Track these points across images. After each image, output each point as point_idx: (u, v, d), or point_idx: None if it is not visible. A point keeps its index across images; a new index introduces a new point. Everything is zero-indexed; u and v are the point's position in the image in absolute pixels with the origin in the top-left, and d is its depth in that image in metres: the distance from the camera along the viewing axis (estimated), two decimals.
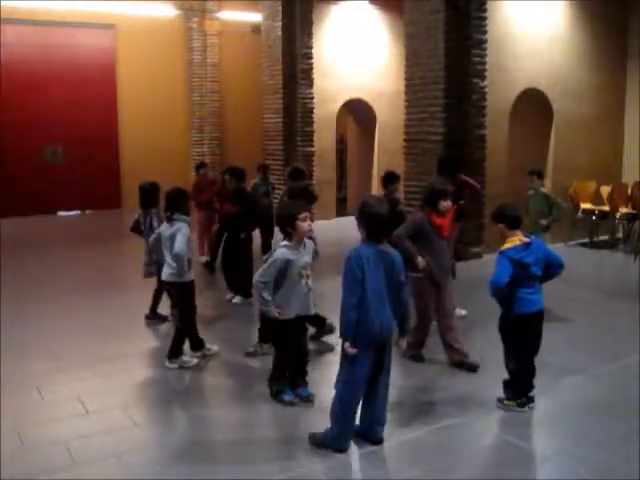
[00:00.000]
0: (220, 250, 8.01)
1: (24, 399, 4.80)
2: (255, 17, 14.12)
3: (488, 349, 5.28)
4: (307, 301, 4.57)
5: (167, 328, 6.53)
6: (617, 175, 11.10)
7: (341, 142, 14.89)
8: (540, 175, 7.56)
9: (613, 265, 9.62)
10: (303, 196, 6.06)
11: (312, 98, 12.33)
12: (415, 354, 5.48)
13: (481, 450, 4.11)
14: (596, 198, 10.53)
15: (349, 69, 13.14)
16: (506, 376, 4.59)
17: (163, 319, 6.62)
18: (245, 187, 7.93)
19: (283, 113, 12.30)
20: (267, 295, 4.42)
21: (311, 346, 5.37)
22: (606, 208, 10.29)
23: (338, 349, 4.09)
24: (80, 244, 11.16)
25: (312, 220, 5.60)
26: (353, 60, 13.19)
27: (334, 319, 4.83)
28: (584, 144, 10.57)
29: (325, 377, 4.93)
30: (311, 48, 12.21)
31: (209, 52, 15.74)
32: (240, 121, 15.72)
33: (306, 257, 4.54)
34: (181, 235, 5.32)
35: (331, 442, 3.94)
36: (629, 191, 10.14)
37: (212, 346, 5.71)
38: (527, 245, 4.39)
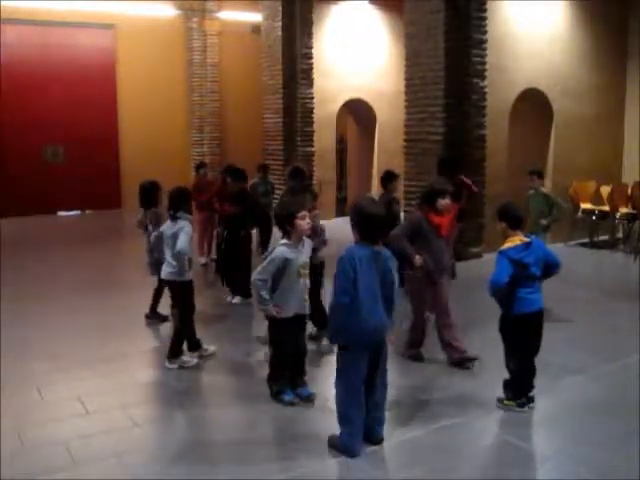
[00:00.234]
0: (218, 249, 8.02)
1: (24, 399, 4.80)
2: (255, 17, 14.12)
3: (488, 349, 5.28)
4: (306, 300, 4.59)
5: (167, 328, 6.53)
6: (617, 175, 11.09)
7: (341, 142, 14.88)
8: (540, 175, 7.56)
9: (613, 265, 9.61)
10: (306, 192, 6.11)
11: (312, 98, 12.33)
12: (414, 354, 5.48)
13: (481, 450, 4.11)
14: (596, 198, 10.53)
15: (349, 69, 13.13)
16: (506, 376, 4.59)
17: (163, 319, 6.62)
18: (246, 188, 7.93)
19: (283, 113, 12.30)
20: (265, 294, 4.42)
21: (311, 346, 5.37)
22: (606, 208, 10.29)
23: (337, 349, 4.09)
24: (80, 244, 11.16)
25: (317, 216, 5.67)
26: (353, 60, 13.19)
27: None
28: (584, 144, 10.57)
29: (325, 376, 4.92)
30: (311, 48, 12.20)
31: (209, 52, 15.74)
32: (240, 121, 15.72)
33: (305, 256, 4.55)
34: (184, 234, 5.33)
35: (342, 446, 3.94)
36: (629, 191, 10.14)
37: (209, 347, 5.70)
38: (527, 245, 4.39)
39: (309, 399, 4.65)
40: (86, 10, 13.96)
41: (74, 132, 14.45)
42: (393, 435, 4.18)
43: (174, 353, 5.44)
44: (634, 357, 5.48)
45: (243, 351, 5.90)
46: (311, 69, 12.25)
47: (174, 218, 5.45)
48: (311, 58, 12.23)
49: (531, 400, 4.53)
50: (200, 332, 5.71)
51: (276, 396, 4.66)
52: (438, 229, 5.32)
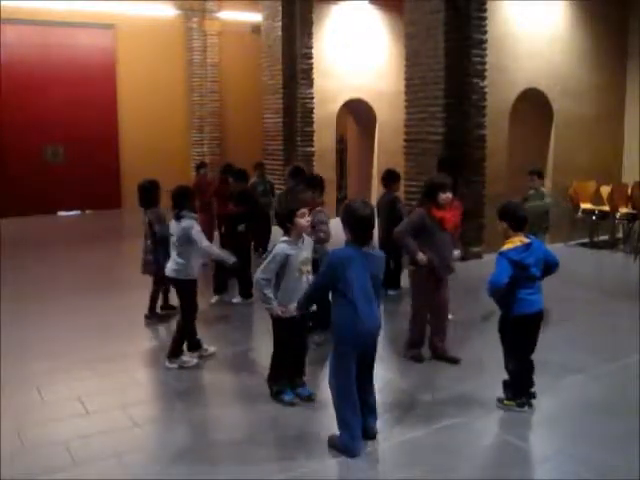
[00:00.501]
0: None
1: (24, 399, 4.80)
2: (255, 17, 14.12)
3: (488, 349, 5.28)
4: None
5: (167, 328, 6.54)
6: (617, 175, 11.09)
7: (341, 142, 14.88)
8: (540, 175, 7.57)
9: (613, 265, 9.61)
10: (316, 186, 6.14)
11: (312, 98, 12.33)
12: (414, 355, 5.47)
13: (481, 450, 4.11)
14: (596, 198, 10.53)
15: (349, 69, 13.14)
16: (506, 376, 4.59)
17: (162, 318, 6.62)
18: (248, 188, 7.93)
19: (283, 113, 12.30)
20: (269, 292, 4.43)
21: (312, 346, 5.38)
22: (606, 208, 10.28)
23: None
24: (80, 244, 11.15)
25: (319, 212, 5.69)
26: (353, 60, 13.19)
27: None
28: (584, 144, 10.57)
29: (326, 376, 4.91)
30: (311, 48, 12.20)
31: (209, 52, 15.74)
32: (240, 121, 15.72)
33: (305, 253, 4.56)
34: (197, 232, 5.43)
35: (342, 447, 3.94)
36: (629, 191, 10.14)
37: (210, 347, 5.70)
38: (527, 246, 4.37)
39: (309, 399, 4.66)
40: (86, 10, 13.97)
41: (74, 132, 14.45)
42: (393, 435, 4.18)
43: (174, 353, 5.44)
44: (634, 357, 5.47)
45: (243, 351, 5.91)
46: (311, 69, 12.25)
47: (178, 217, 5.48)
48: (311, 58, 12.23)
49: (533, 396, 4.53)
50: (200, 332, 5.72)
51: (276, 396, 4.66)
52: (441, 223, 5.31)
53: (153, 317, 6.67)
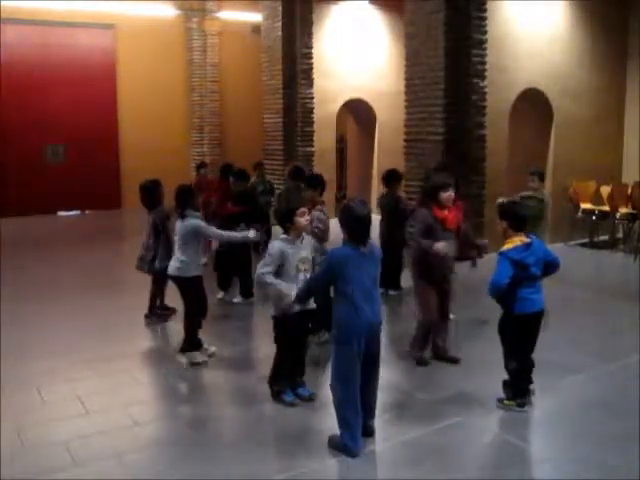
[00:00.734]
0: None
1: (24, 399, 4.80)
2: (255, 17, 14.12)
3: (488, 349, 5.28)
4: None
5: (167, 328, 6.54)
6: (617, 175, 11.09)
7: (341, 142, 14.88)
8: (542, 177, 7.54)
9: (613, 265, 9.61)
10: (317, 185, 6.15)
11: (312, 98, 12.33)
12: (418, 357, 5.39)
13: (481, 450, 4.11)
14: (596, 198, 10.52)
15: (349, 69, 13.13)
16: (506, 376, 4.59)
17: (162, 317, 6.64)
18: (248, 188, 7.91)
19: (283, 113, 12.29)
20: (272, 279, 4.42)
21: (312, 346, 5.37)
22: (606, 208, 10.28)
23: None
24: (80, 244, 11.16)
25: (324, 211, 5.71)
26: (353, 60, 13.19)
27: None
28: (584, 144, 10.56)
29: (326, 376, 4.91)
30: (311, 48, 12.20)
31: (209, 52, 15.74)
32: (240, 121, 15.72)
33: (303, 251, 4.56)
34: (206, 228, 5.55)
35: (343, 446, 3.95)
36: (629, 191, 10.14)
37: (210, 347, 5.70)
38: (528, 245, 4.37)
39: (310, 399, 4.67)
40: (86, 10, 13.97)
41: (74, 132, 14.45)
42: (393, 435, 4.18)
43: (186, 348, 5.47)
44: (634, 357, 5.47)
45: (243, 351, 5.91)
46: (311, 69, 12.25)
47: (183, 216, 5.51)
48: (311, 58, 12.22)
49: (532, 393, 4.54)
50: (201, 332, 5.69)
51: (276, 396, 4.67)
52: (444, 223, 5.28)
53: (153, 316, 6.68)
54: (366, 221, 3.96)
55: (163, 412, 4.74)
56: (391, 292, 7.47)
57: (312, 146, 12.41)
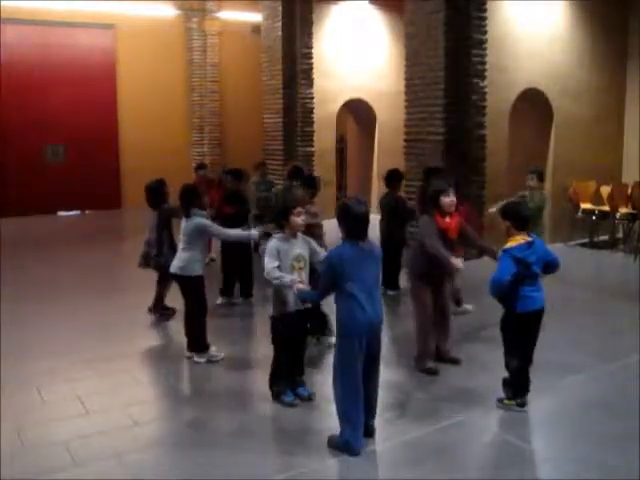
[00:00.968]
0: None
1: (24, 399, 4.80)
2: (255, 17, 14.11)
3: (488, 349, 5.29)
4: None
5: (167, 328, 6.54)
6: (617, 175, 11.09)
7: (341, 142, 14.88)
8: (541, 176, 7.53)
9: (613, 265, 9.61)
10: (310, 186, 6.16)
11: (312, 98, 12.32)
12: (427, 368, 5.24)
13: (481, 450, 4.11)
14: (596, 198, 10.52)
15: (349, 69, 13.13)
16: (505, 375, 4.59)
17: (163, 316, 6.65)
18: (241, 188, 7.76)
19: (283, 113, 12.29)
20: (279, 273, 4.41)
21: (312, 346, 5.38)
22: (606, 208, 10.28)
23: None
24: (80, 244, 11.16)
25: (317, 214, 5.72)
26: (353, 60, 13.19)
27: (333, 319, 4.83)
28: (584, 144, 10.56)
29: (325, 376, 4.91)
30: (311, 48, 12.19)
31: (209, 52, 15.74)
32: (240, 121, 15.72)
33: (298, 250, 4.57)
34: (211, 227, 5.60)
35: (344, 445, 3.95)
36: (629, 191, 10.13)
37: (210, 347, 5.70)
38: (530, 244, 4.42)
39: (310, 399, 4.67)
40: (86, 10, 13.96)
41: (74, 132, 14.45)
42: (394, 435, 4.18)
43: (200, 347, 5.49)
44: (634, 357, 5.47)
45: (243, 351, 5.91)
46: (311, 69, 12.24)
47: (188, 215, 5.53)
48: (311, 58, 12.22)
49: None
50: None
51: (276, 397, 4.67)
52: (446, 232, 5.18)
53: (156, 313, 6.69)
54: (363, 218, 3.97)
55: (163, 412, 4.75)
56: (390, 292, 7.47)
57: (312, 146, 12.41)
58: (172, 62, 15.52)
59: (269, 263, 4.45)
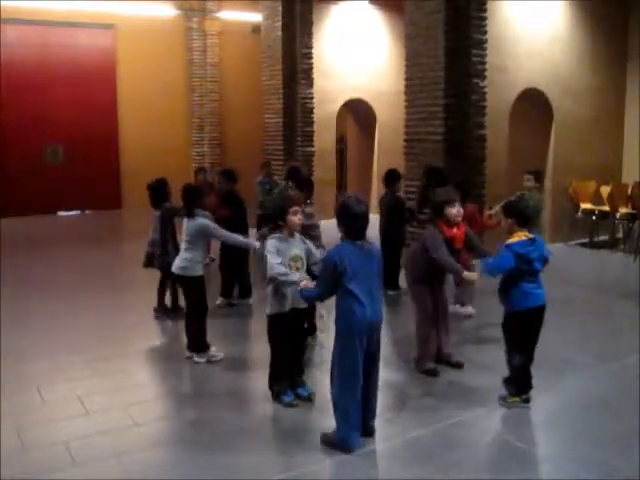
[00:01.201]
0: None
1: (24, 399, 4.80)
2: (255, 17, 14.11)
3: (488, 349, 5.28)
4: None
5: (168, 328, 6.54)
6: (617, 175, 11.09)
7: (341, 142, 14.88)
8: (539, 176, 7.53)
9: (613, 265, 9.61)
10: (304, 186, 6.15)
11: (312, 98, 12.32)
12: (428, 369, 5.22)
13: (481, 450, 4.11)
14: (596, 198, 10.52)
15: (349, 69, 13.13)
16: (506, 375, 4.59)
17: (168, 314, 6.65)
18: (235, 189, 7.68)
19: (283, 113, 12.29)
20: (284, 270, 4.39)
21: (311, 346, 5.38)
22: (606, 208, 10.28)
23: None
24: (80, 244, 11.15)
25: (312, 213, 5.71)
26: (353, 60, 13.19)
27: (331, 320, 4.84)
28: (584, 144, 10.56)
29: (325, 376, 4.91)
30: (311, 48, 12.19)
31: (209, 52, 15.73)
32: (240, 121, 15.72)
33: (295, 250, 4.57)
34: (214, 228, 5.58)
35: (339, 441, 3.96)
36: (629, 191, 10.14)
37: (211, 347, 5.70)
38: (532, 241, 4.47)
39: (309, 398, 4.67)
40: (86, 10, 13.95)
41: (74, 132, 14.44)
42: (394, 435, 4.18)
43: (200, 347, 5.49)
44: (634, 357, 5.48)
45: (243, 351, 5.91)
46: (311, 69, 12.24)
47: (191, 215, 5.53)
48: (311, 58, 12.22)
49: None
50: None
51: (276, 397, 4.67)
52: (452, 243, 5.12)
53: (160, 311, 6.71)
54: (363, 217, 3.98)
55: (163, 412, 4.74)
56: (390, 292, 7.47)
57: (312, 146, 12.41)
58: (172, 62, 15.51)
59: (272, 259, 4.44)
